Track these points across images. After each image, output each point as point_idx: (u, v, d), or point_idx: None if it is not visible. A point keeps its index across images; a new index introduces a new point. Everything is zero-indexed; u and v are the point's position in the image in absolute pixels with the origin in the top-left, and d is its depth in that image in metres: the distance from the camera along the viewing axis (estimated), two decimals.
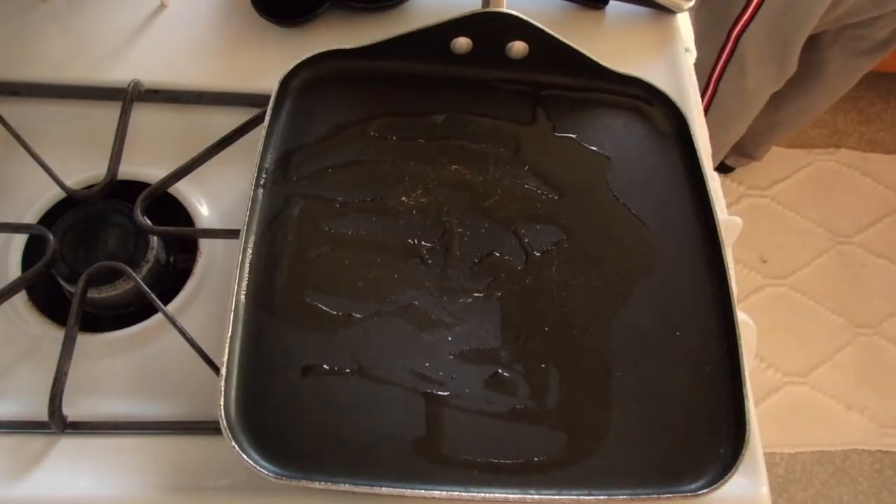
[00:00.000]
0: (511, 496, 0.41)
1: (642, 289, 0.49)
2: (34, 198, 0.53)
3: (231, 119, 0.55)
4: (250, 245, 0.47)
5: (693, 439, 0.45)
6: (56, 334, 0.49)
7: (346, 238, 0.49)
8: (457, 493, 0.41)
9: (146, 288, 0.48)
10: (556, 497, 0.42)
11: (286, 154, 0.52)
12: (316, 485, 0.40)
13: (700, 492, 0.42)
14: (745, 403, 0.45)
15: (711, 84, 1.16)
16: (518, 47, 0.55)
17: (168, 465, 0.45)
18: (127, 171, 0.54)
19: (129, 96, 0.55)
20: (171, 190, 0.54)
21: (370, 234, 0.49)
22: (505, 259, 0.50)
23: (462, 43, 0.55)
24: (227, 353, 0.43)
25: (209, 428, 0.46)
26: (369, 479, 0.41)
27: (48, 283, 0.52)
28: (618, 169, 0.54)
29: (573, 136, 0.55)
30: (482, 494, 0.41)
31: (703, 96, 1.20)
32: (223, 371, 0.42)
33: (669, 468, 0.44)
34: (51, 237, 0.49)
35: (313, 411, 0.44)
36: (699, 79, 0.64)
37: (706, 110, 1.20)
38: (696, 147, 0.54)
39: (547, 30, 0.54)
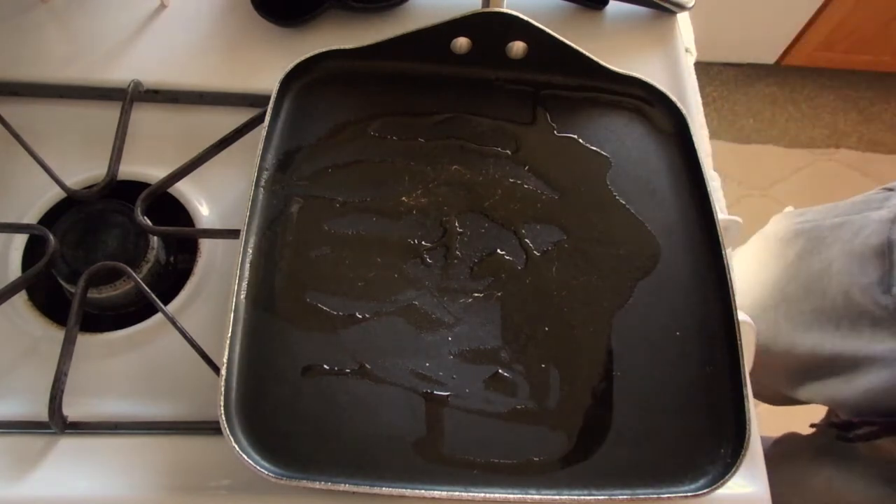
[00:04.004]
0: (511, 496, 0.41)
1: (642, 289, 0.49)
2: (34, 198, 0.53)
3: (231, 119, 0.55)
4: (250, 245, 0.47)
5: (693, 439, 0.45)
6: (56, 334, 0.49)
7: (347, 238, 0.49)
8: (457, 493, 0.41)
9: (146, 288, 0.48)
10: (556, 497, 0.42)
11: (286, 154, 0.52)
12: (316, 485, 0.40)
13: (700, 492, 0.42)
14: (745, 403, 0.45)
15: None
16: (518, 47, 0.55)
17: (168, 465, 0.45)
18: (127, 171, 0.54)
19: (129, 96, 0.55)
20: (171, 190, 0.54)
21: (370, 234, 0.49)
22: (505, 259, 0.50)
23: (462, 43, 0.55)
24: (227, 353, 0.43)
25: (209, 428, 0.46)
26: (369, 479, 0.41)
27: (48, 283, 0.52)
28: (618, 169, 0.54)
29: (573, 136, 0.55)
30: (482, 494, 0.41)
31: None
32: (223, 371, 0.42)
33: (670, 468, 0.44)
34: (51, 237, 0.49)
35: (313, 411, 0.44)
36: None
37: None
38: (696, 147, 0.54)
39: (547, 30, 0.54)
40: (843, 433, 0.60)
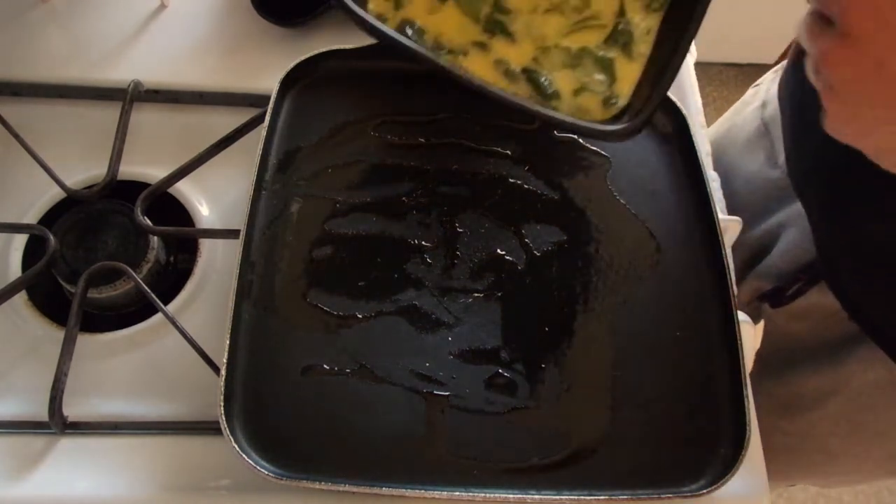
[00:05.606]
0: (511, 496, 0.41)
1: (642, 289, 0.49)
2: (34, 198, 0.54)
3: (231, 119, 0.55)
4: (250, 245, 0.47)
5: (693, 439, 0.45)
6: (56, 334, 0.49)
7: (347, 238, 0.49)
8: (457, 493, 0.41)
9: (146, 288, 0.48)
10: (556, 497, 0.42)
11: (286, 154, 0.52)
12: (316, 485, 0.40)
13: (700, 492, 0.42)
14: (745, 403, 0.45)
15: None
16: None
17: (168, 465, 0.45)
18: (127, 171, 0.54)
19: (129, 96, 0.55)
20: (172, 190, 0.54)
21: (370, 234, 0.49)
22: (505, 259, 0.50)
23: None
24: (227, 353, 0.43)
25: (209, 428, 0.46)
26: (369, 479, 0.41)
27: (48, 283, 0.52)
28: (618, 169, 0.54)
29: (574, 136, 0.55)
30: (482, 494, 0.41)
31: None
32: (223, 371, 0.42)
33: (670, 468, 0.44)
34: (51, 237, 0.49)
35: (313, 411, 0.44)
36: None
37: None
38: (696, 147, 0.54)
39: None
40: (777, 301, 0.63)
